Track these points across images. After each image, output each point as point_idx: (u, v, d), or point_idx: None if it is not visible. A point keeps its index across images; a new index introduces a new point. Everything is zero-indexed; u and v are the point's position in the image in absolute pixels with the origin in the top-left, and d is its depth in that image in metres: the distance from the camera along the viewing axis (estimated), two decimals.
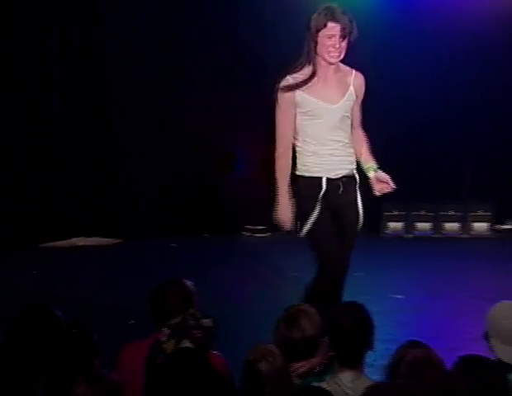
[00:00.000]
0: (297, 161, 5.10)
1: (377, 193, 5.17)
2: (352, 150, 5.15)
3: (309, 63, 5.03)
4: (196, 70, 9.53)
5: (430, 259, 8.46)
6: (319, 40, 4.98)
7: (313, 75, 5.02)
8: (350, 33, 4.98)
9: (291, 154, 5.08)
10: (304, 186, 5.05)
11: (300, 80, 5.01)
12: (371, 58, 8.15)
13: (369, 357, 3.72)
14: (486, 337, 3.66)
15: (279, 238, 9.45)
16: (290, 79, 5.01)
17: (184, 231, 9.49)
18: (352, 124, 5.17)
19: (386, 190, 5.15)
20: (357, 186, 5.12)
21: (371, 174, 5.16)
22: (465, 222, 9.27)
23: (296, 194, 5.08)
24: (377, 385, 2.93)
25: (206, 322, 3.43)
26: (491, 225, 9.23)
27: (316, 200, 5.00)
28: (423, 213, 9.29)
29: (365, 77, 5.17)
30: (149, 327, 3.85)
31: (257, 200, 9.62)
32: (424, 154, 9.42)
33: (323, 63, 5.03)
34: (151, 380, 3.17)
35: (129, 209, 9.47)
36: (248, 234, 9.64)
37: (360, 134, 5.24)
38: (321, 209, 5.00)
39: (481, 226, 9.23)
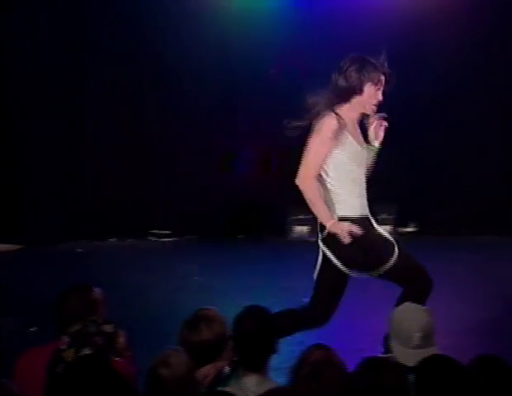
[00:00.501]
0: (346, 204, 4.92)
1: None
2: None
3: (344, 103, 4.89)
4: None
5: None
6: (366, 89, 4.86)
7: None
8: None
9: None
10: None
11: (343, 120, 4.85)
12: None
13: (275, 360, 3.72)
14: (387, 338, 3.72)
15: (183, 243, 9.50)
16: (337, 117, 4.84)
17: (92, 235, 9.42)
18: None
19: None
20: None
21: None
22: None
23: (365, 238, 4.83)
24: (275, 389, 2.94)
25: (108, 327, 3.38)
26: (394, 228, 9.38)
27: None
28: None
29: None
30: (51, 334, 3.79)
31: (163, 204, 9.64)
32: None
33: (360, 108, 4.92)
34: (50, 390, 3.11)
35: (31, 214, 9.31)
36: (154, 239, 9.60)
37: None
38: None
39: (384, 229, 9.36)
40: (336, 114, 4.83)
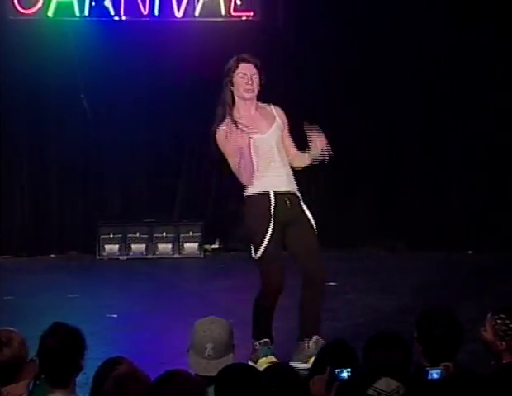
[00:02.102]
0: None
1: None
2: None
3: (230, 109, 5.71)
4: None
5: (145, 279, 8.87)
6: (234, 80, 5.72)
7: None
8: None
9: None
10: (254, 205, 5.70)
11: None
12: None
13: (82, 376, 3.89)
14: (188, 350, 3.99)
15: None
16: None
17: None
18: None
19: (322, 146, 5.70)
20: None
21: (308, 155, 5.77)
22: (177, 242, 9.79)
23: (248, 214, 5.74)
24: None
25: None
26: (200, 245, 9.80)
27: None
28: (138, 235, 9.67)
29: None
30: None
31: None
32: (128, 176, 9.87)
33: (240, 101, 5.75)
34: None
35: None
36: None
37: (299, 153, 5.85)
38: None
39: (191, 246, 9.80)
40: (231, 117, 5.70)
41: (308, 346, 5.85)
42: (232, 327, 3.93)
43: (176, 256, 9.77)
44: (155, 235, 9.75)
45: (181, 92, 9.58)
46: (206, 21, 9.61)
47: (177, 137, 9.85)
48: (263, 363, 5.72)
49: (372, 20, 9.66)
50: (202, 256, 9.78)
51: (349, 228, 9.87)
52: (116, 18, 9.51)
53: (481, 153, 9.83)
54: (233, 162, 5.69)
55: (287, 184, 5.77)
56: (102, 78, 9.04)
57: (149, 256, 9.73)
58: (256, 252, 5.67)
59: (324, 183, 9.87)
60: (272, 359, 5.86)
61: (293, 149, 5.90)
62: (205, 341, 3.80)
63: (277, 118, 5.89)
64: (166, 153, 9.94)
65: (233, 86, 5.74)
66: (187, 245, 9.77)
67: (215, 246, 9.97)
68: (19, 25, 9.39)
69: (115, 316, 7.31)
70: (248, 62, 5.76)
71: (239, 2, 9.58)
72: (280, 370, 3.73)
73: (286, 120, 5.93)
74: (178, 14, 9.57)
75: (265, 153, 5.73)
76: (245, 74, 5.73)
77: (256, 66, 5.78)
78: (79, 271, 9.10)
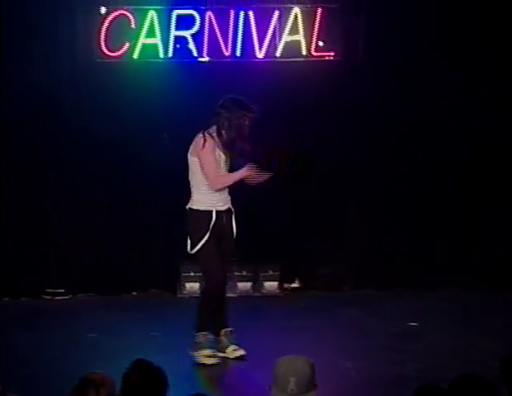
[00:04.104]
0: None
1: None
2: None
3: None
4: None
5: None
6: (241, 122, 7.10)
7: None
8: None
9: None
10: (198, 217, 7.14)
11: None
12: None
13: None
14: (270, 389, 3.95)
15: (79, 300, 9.66)
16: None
17: None
18: None
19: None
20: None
21: None
22: (256, 281, 9.81)
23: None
24: None
25: None
26: (280, 284, 9.80)
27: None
28: None
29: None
30: None
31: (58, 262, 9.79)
32: None
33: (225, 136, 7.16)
34: None
35: None
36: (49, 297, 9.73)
37: None
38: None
39: (271, 285, 9.80)
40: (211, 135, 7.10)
41: (221, 339, 7.19)
42: (314, 366, 3.91)
43: (255, 294, 9.79)
44: (235, 274, 9.78)
45: (262, 131, 9.63)
46: (287, 62, 9.69)
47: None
48: (205, 354, 7.05)
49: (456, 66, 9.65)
50: (282, 294, 9.77)
51: (430, 269, 9.75)
52: (199, 59, 9.65)
53: None
54: (211, 168, 7.04)
55: (226, 201, 7.24)
56: (185, 118, 9.15)
57: (229, 295, 9.74)
58: (192, 248, 7.11)
59: (408, 223, 9.82)
60: (214, 351, 7.11)
61: None
62: (288, 375, 3.79)
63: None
64: (244, 192, 9.91)
65: (232, 127, 7.08)
66: (266, 284, 9.79)
67: (295, 285, 9.96)
68: (106, 67, 9.60)
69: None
70: (253, 112, 7.13)
71: (320, 43, 9.63)
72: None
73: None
74: (260, 54, 9.67)
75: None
76: (246, 124, 7.13)
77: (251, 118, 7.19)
78: (160, 309, 9.17)
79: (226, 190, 7.24)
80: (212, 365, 7.02)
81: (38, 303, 9.52)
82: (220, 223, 7.16)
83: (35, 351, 7.51)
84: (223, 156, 7.15)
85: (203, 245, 7.04)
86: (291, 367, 3.81)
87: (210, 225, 7.07)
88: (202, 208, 7.13)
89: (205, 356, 7.06)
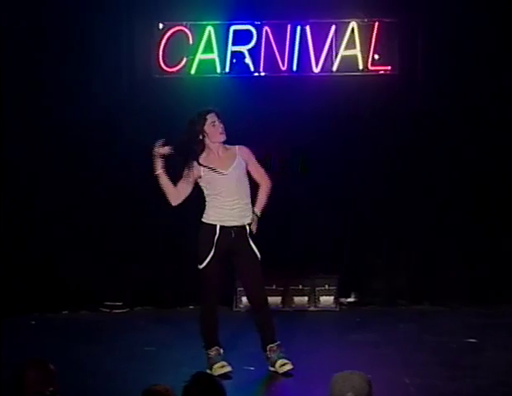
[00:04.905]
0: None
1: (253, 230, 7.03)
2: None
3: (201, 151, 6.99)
4: None
5: (281, 332, 8.85)
6: (207, 130, 6.97)
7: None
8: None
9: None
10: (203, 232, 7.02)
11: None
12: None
13: None
14: None
15: (136, 313, 9.75)
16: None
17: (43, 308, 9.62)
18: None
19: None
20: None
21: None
22: (313, 295, 9.80)
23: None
24: None
25: None
26: (336, 298, 9.78)
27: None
28: (274, 287, 9.72)
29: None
30: None
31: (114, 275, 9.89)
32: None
33: (212, 145, 7.01)
34: None
35: None
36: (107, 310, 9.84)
37: (261, 187, 7.15)
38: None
39: (327, 299, 9.79)
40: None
41: (269, 354, 7.11)
42: (371, 382, 3.88)
43: (312, 309, 9.78)
44: (291, 288, 9.79)
45: (318, 143, 9.67)
46: (343, 76, 9.70)
47: (309, 188, 9.87)
48: (217, 368, 6.98)
49: None
50: (338, 309, 9.76)
51: (491, 284, 9.65)
52: (256, 74, 9.71)
53: None
54: (181, 185, 7.00)
55: (238, 218, 6.94)
56: (242, 133, 9.19)
57: (285, 309, 9.77)
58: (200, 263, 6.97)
59: (464, 238, 9.74)
60: (224, 364, 7.02)
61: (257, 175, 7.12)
62: (345, 390, 3.74)
63: (238, 156, 7.02)
64: (300, 206, 9.95)
65: (206, 136, 6.97)
66: (322, 298, 9.78)
67: (351, 299, 9.94)
68: (163, 83, 9.71)
69: (252, 369, 7.38)
70: (211, 112, 7.01)
71: (376, 57, 9.62)
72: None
73: (249, 157, 7.09)
74: (316, 69, 9.68)
75: (224, 188, 6.93)
76: (214, 122, 6.98)
77: (217, 114, 7.02)
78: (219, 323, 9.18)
79: (239, 207, 6.97)
80: (225, 373, 7.01)
81: (96, 316, 9.62)
82: (226, 239, 6.94)
83: (94, 363, 7.58)
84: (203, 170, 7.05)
85: (208, 262, 6.93)
86: (348, 383, 3.77)
87: (215, 240, 6.90)
88: (207, 221, 7.02)
89: (217, 368, 7.04)
